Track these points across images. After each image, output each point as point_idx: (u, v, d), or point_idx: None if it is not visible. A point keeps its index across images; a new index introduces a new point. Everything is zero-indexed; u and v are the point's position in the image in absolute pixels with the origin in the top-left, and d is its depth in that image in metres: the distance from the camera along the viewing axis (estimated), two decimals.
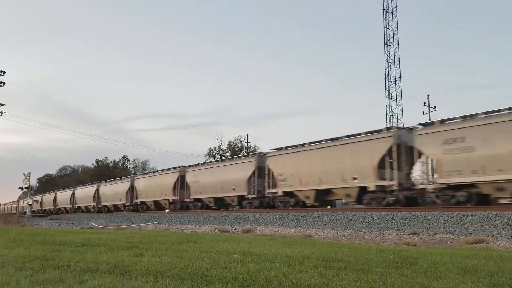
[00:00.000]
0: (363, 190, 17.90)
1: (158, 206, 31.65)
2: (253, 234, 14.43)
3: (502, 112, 14.63)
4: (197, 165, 29.52)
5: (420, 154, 16.54)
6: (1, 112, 41.08)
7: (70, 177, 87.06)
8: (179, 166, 30.15)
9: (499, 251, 7.89)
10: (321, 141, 20.37)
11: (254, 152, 27.06)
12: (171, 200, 29.58)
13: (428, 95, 43.15)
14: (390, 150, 16.94)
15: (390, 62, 47.23)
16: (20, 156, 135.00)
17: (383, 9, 47.98)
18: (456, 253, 6.87)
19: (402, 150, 16.90)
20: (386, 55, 47.57)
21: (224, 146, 75.60)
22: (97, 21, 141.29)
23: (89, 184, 45.78)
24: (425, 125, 16.84)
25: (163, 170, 32.86)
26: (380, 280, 4.32)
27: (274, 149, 23.10)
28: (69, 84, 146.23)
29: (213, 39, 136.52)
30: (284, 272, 4.78)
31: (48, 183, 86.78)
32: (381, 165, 17.12)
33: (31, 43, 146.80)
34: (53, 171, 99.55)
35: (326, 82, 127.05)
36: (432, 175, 16.44)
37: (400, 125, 46.61)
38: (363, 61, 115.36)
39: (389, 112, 47.18)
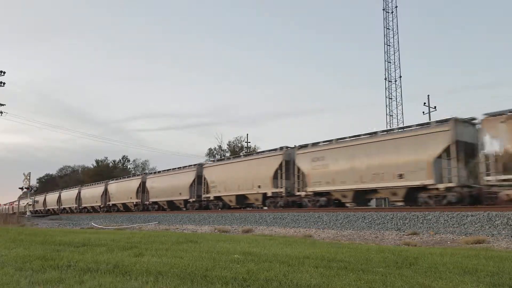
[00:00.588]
0: (265, 195, 22.59)
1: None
2: (253, 234, 14.42)
3: (345, 139, 19.35)
4: (154, 172, 34.35)
5: (298, 169, 20.73)
6: (1, 112, 41.10)
7: (70, 177, 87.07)
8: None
9: (499, 251, 7.89)
10: (239, 156, 25.52)
11: (195, 164, 29.53)
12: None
13: (428, 95, 43.15)
14: (281, 165, 21.81)
15: (390, 62, 47.24)
16: (20, 156, 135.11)
17: (383, 9, 47.99)
18: (456, 253, 6.87)
19: (290, 165, 21.63)
20: (386, 55, 47.58)
21: (224, 146, 75.66)
22: (97, 21, 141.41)
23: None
24: (301, 146, 21.31)
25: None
26: (380, 280, 4.32)
27: (210, 161, 28.54)
28: (69, 84, 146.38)
29: (213, 39, 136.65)
30: (284, 272, 4.78)
31: (48, 183, 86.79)
32: (275, 176, 21.95)
33: (31, 43, 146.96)
34: (53, 171, 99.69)
35: (326, 82, 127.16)
36: (305, 185, 20.34)
37: (400, 125, 46.61)
38: (363, 61, 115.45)
39: (389, 112, 47.19)
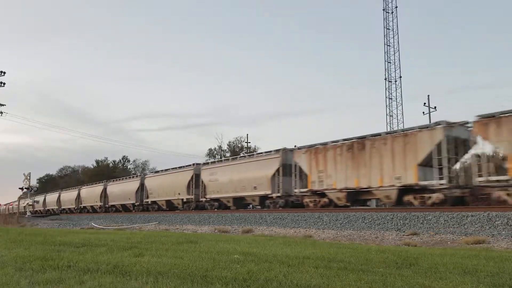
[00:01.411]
0: (183, 200, 29.33)
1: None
2: (253, 234, 14.42)
3: (228, 160, 27.75)
4: (153, 172, 38.75)
5: (202, 181, 27.62)
6: (1, 112, 41.09)
7: (70, 177, 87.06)
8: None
9: (500, 251, 7.89)
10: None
11: (139, 174, 37.83)
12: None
13: (428, 95, 43.18)
14: (192, 177, 28.74)
15: (390, 62, 47.24)
16: (20, 156, 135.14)
17: (383, 10, 48.00)
18: (456, 253, 6.87)
19: (198, 177, 28.05)
20: (386, 55, 47.59)
21: (224, 147, 75.68)
22: (97, 21, 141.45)
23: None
24: (204, 163, 29.40)
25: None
26: (380, 280, 4.32)
27: (151, 172, 37.00)
28: (69, 84, 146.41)
29: (213, 39, 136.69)
30: (284, 272, 4.77)
31: (48, 183, 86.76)
32: (189, 186, 29.21)
33: (31, 43, 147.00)
34: (53, 171, 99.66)
35: (326, 82, 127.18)
36: (206, 193, 27.34)
37: (400, 126, 46.74)
38: (363, 61, 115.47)
39: (389, 112, 47.19)
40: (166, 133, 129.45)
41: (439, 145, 15.75)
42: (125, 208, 36.79)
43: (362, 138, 18.36)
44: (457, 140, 16.08)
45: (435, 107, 42.88)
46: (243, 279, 4.36)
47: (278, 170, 22.04)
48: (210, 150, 75.65)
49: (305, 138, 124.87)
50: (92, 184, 46.70)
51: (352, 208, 18.87)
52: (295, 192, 21.11)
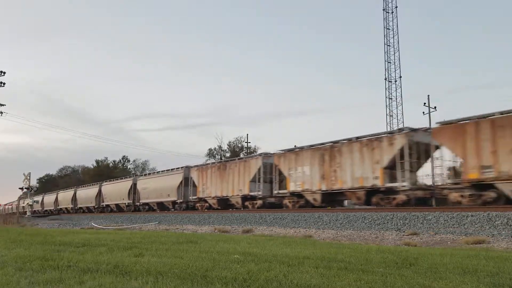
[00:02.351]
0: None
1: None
2: (253, 234, 14.43)
3: (155, 173, 35.71)
4: (145, 174, 39.90)
5: (137, 189, 34.68)
6: (1, 112, 41.10)
7: (70, 177, 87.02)
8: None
9: (500, 251, 7.89)
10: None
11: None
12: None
13: (428, 95, 43.20)
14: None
15: (390, 62, 47.26)
16: (20, 156, 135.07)
17: (383, 9, 48.03)
18: (456, 253, 6.87)
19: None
20: (386, 55, 47.61)
21: (224, 147, 75.72)
22: (97, 21, 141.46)
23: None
24: (140, 175, 35.74)
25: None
26: (380, 280, 4.32)
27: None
28: (69, 84, 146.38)
29: (213, 39, 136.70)
30: (284, 272, 4.78)
31: (48, 183, 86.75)
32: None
33: (31, 43, 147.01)
34: (53, 171, 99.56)
35: (326, 82, 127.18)
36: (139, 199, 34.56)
37: (400, 126, 46.66)
38: (363, 61, 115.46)
39: (389, 112, 47.21)
40: (166, 133, 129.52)
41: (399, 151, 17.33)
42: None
43: (225, 161, 28.18)
44: (419, 145, 17.27)
45: (435, 107, 42.93)
46: (243, 279, 4.37)
47: (181, 182, 29.52)
48: (210, 150, 75.72)
49: (305, 138, 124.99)
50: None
51: (352, 208, 19.03)
52: (190, 199, 28.88)
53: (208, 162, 35.04)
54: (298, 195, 20.97)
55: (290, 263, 5.52)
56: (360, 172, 18.02)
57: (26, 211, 48.31)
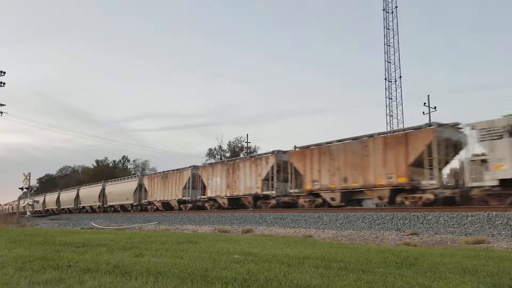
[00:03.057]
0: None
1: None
2: (253, 234, 14.43)
3: (116, 180, 40.22)
4: (111, 180, 43.37)
5: (105, 193, 39.52)
6: (1, 112, 41.08)
7: (70, 177, 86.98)
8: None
9: (500, 251, 7.89)
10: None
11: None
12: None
13: (428, 95, 43.19)
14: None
15: (390, 62, 47.24)
16: (20, 156, 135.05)
17: (383, 9, 48.00)
18: (456, 253, 6.87)
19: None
20: (386, 55, 47.59)
21: (224, 147, 75.75)
22: (98, 21, 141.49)
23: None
24: (108, 180, 40.35)
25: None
26: (380, 280, 4.32)
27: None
28: (69, 84, 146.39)
29: (213, 39, 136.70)
30: (284, 272, 4.78)
31: (48, 183, 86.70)
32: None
33: (31, 43, 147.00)
34: (53, 171, 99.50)
35: (326, 82, 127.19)
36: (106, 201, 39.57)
37: (400, 126, 46.67)
38: (363, 61, 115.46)
39: (389, 112, 47.19)
40: (166, 133, 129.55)
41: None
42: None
43: (167, 172, 32.31)
44: (285, 163, 22.67)
45: (435, 107, 42.92)
46: (243, 279, 4.37)
47: (137, 188, 35.09)
48: (210, 150, 75.76)
49: (305, 138, 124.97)
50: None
51: (352, 208, 19.01)
52: (143, 202, 34.41)
53: (156, 172, 39.27)
54: (214, 200, 26.76)
55: (290, 263, 5.52)
56: (249, 183, 23.66)
57: (26, 211, 48.35)
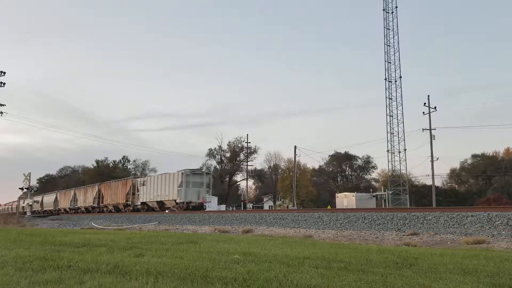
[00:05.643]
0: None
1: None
2: (253, 234, 14.42)
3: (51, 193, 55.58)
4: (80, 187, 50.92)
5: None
6: (1, 112, 41.08)
7: (70, 178, 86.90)
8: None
9: (500, 251, 7.89)
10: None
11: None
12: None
13: (428, 96, 43.21)
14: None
15: (390, 63, 47.25)
16: (20, 156, 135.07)
17: (383, 10, 48.03)
18: (456, 253, 6.87)
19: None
20: (386, 55, 47.60)
21: (224, 147, 75.71)
22: (98, 21, 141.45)
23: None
24: (60, 191, 54.60)
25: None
26: (380, 280, 4.32)
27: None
28: (69, 84, 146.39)
29: (214, 40, 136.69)
30: (284, 272, 4.77)
31: (48, 183, 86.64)
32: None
33: (31, 43, 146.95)
34: (53, 171, 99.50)
35: (326, 82, 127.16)
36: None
37: (400, 126, 46.66)
38: (363, 61, 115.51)
39: (389, 112, 47.19)
40: (166, 133, 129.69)
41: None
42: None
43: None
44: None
45: (435, 107, 42.94)
46: (243, 279, 4.36)
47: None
48: (210, 150, 75.73)
49: (305, 138, 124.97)
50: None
51: (352, 208, 19.03)
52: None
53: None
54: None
55: (290, 263, 5.52)
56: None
57: (26, 211, 48.43)
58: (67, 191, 50.52)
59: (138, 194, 35.25)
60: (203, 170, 35.42)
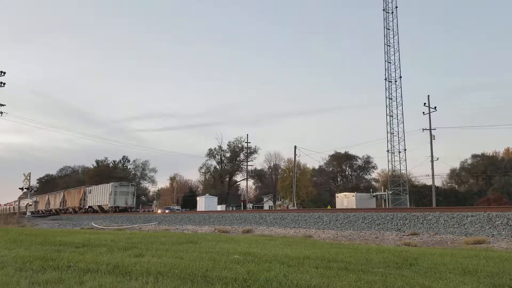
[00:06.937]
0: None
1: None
2: (253, 234, 14.42)
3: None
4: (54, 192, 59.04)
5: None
6: (1, 113, 41.08)
7: (70, 178, 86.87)
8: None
9: (500, 251, 7.89)
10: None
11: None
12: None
13: (428, 96, 43.18)
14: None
15: (390, 63, 47.23)
16: (20, 156, 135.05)
17: (383, 10, 48.01)
18: (456, 253, 6.87)
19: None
20: (386, 55, 47.59)
21: (224, 147, 75.72)
22: (98, 21, 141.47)
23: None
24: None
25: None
26: (380, 280, 4.32)
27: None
28: (69, 84, 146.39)
29: (213, 39, 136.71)
30: (284, 272, 4.77)
31: (49, 183, 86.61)
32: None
33: (31, 43, 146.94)
34: (53, 171, 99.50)
35: (326, 82, 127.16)
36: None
37: (401, 126, 46.66)
38: (363, 61, 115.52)
39: (389, 112, 47.18)
40: (166, 133, 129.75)
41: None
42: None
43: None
44: None
45: (435, 107, 42.92)
46: (243, 279, 4.36)
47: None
48: (210, 150, 75.74)
49: (305, 138, 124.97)
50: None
51: (352, 208, 19.03)
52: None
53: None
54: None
55: (290, 263, 5.52)
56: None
57: (26, 211, 48.49)
58: (44, 195, 59.54)
59: (86, 200, 45.51)
60: (128, 183, 46.65)
